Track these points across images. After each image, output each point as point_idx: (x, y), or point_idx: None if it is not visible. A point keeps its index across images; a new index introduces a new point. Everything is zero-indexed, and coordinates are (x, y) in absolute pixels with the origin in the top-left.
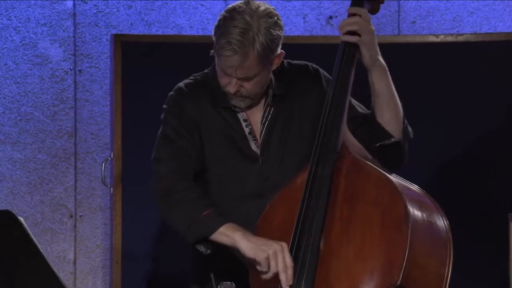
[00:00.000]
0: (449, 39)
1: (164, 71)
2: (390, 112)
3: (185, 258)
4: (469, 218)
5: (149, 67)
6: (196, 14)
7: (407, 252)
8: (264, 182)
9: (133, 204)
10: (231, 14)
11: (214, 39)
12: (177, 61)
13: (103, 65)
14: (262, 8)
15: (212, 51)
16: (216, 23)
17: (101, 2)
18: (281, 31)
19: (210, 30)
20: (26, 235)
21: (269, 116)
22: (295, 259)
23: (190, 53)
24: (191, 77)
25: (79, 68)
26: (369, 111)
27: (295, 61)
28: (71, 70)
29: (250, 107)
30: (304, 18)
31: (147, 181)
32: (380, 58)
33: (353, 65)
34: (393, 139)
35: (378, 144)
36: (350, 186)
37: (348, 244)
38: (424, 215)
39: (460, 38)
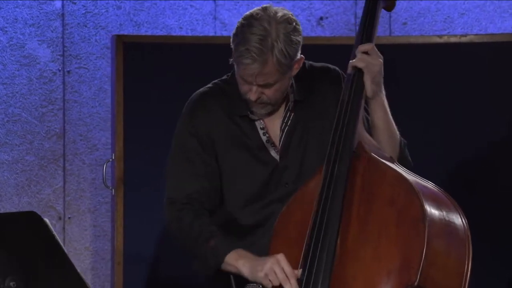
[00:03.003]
0: (453, 40)
1: (165, 72)
2: (385, 141)
3: (186, 260)
4: (480, 220)
5: (150, 68)
6: (186, 14)
7: (424, 252)
8: (284, 187)
9: (134, 206)
10: (249, 21)
11: (232, 47)
12: (179, 62)
13: (92, 66)
14: (280, 14)
15: (231, 59)
16: (234, 30)
17: (90, 2)
18: (300, 36)
19: (200, 31)
20: (52, 236)
21: (289, 121)
22: (311, 259)
23: (192, 54)
24: (210, 84)
25: (68, 69)
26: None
27: (317, 64)
28: (59, 71)
29: (270, 113)
30: None
31: (148, 182)
32: (382, 96)
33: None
34: None
35: None
36: (367, 186)
37: (364, 244)
38: (442, 213)
39: (463, 39)
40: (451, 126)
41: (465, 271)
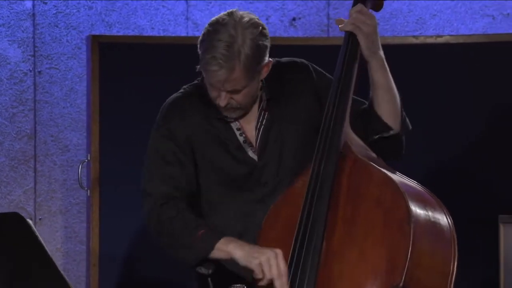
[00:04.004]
0: (429, 40)
1: (140, 72)
2: (388, 104)
3: (162, 260)
4: (459, 220)
5: (124, 68)
6: (158, 15)
7: (409, 252)
8: (263, 186)
9: (109, 207)
10: (215, 27)
11: (199, 53)
12: (154, 63)
13: (63, 66)
14: (246, 19)
15: (198, 66)
16: (200, 37)
17: (61, 2)
18: (267, 40)
19: (172, 31)
20: (35, 237)
21: (264, 120)
22: (297, 259)
23: (167, 54)
24: (181, 90)
25: (39, 69)
26: (365, 102)
27: (283, 59)
28: (30, 71)
29: (243, 115)
30: (267, 19)
31: (124, 183)
32: (381, 53)
33: (355, 60)
34: (392, 132)
35: (377, 136)
36: (353, 186)
37: (350, 245)
38: (428, 214)
39: (439, 40)
40: (428, 126)
41: (451, 271)
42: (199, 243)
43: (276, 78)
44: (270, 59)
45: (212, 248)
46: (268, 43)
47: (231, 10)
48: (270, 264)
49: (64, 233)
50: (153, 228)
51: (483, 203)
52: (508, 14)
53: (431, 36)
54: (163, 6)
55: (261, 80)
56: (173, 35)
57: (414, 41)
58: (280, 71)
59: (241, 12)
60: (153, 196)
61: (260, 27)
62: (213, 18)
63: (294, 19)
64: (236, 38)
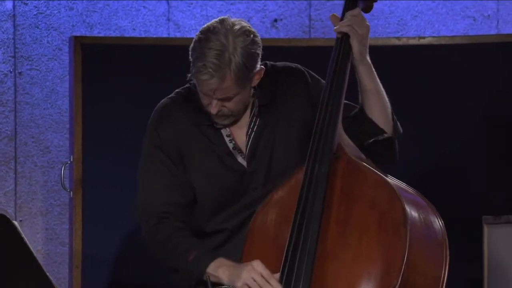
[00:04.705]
0: (412, 42)
1: (123, 73)
2: (378, 108)
3: (146, 262)
4: (443, 221)
5: (107, 69)
6: (139, 16)
7: (406, 255)
8: (253, 192)
9: (92, 208)
10: (206, 35)
11: (190, 61)
12: (137, 64)
13: (44, 67)
14: (237, 26)
15: (190, 74)
16: (191, 45)
17: (41, 3)
18: (259, 48)
19: (153, 32)
20: (20, 239)
21: (255, 126)
22: (291, 260)
23: (149, 55)
24: (171, 95)
25: (19, 71)
26: (357, 106)
27: (279, 64)
28: (11, 72)
29: (234, 122)
30: (248, 21)
31: (107, 184)
32: (368, 58)
33: (348, 60)
34: (385, 135)
35: (371, 140)
36: (346, 188)
37: (345, 246)
38: (421, 217)
39: (422, 41)
40: (413, 127)
41: (442, 274)
42: (190, 268)
43: (270, 83)
44: (262, 66)
45: (203, 273)
46: (260, 51)
47: (222, 17)
48: (253, 279)
49: (45, 234)
50: (150, 245)
51: (467, 204)
52: (489, 15)
53: (414, 38)
54: (144, 7)
55: (253, 87)
56: (155, 36)
57: (397, 42)
58: (275, 76)
59: (232, 20)
60: (148, 212)
61: (252, 35)
62: (205, 26)
63: (275, 20)
64: (227, 46)
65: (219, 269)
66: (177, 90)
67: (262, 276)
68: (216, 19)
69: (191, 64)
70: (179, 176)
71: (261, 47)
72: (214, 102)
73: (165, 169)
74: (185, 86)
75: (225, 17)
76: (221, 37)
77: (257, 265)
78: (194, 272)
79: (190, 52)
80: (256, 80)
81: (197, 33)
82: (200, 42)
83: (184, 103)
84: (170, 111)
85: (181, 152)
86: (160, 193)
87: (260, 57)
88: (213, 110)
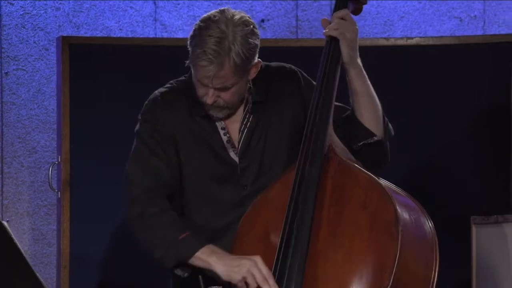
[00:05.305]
0: (400, 42)
1: (110, 73)
2: (370, 111)
3: (134, 262)
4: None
5: (94, 69)
6: (126, 16)
7: (397, 256)
8: (243, 189)
9: (80, 208)
10: (206, 24)
11: (189, 49)
12: (125, 64)
13: (30, 67)
14: (237, 16)
15: (188, 61)
16: (191, 33)
17: (28, 3)
18: (257, 39)
19: (140, 33)
20: (10, 239)
21: (248, 123)
22: (283, 261)
23: (138, 56)
24: (167, 85)
25: (6, 71)
26: (348, 108)
27: (273, 64)
28: None
29: (229, 115)
30: None
31: (95, 185)
32: (359, 60)
33: (338, 63)
34: (375, 138)
35: (361, 143)
36: (338, 188)
37: (336, 247)
38: (412, 218)
39: (410, 42)
40: (401, 127)
41: (433, 276)
42: (180, 246)
43: (263, 82)
44: (259, 60)
45: (193, 254)
46: (258, 42)
47: (222, 8)
48: (253, 275)
49: (31, 235)
50: (134, 221)
51: (455, 204)
52: (475, 16)
53: (402, 38)
54: (131, 7)
55: (250, 81)
56: (142, 36)
57: (384, 42)
58: (268, 75)
59: (232, 10)
60: (138, 188)
61: (251, 26)
62: (205, 15)
63: (262, 20)
64: (227, 34)
65: (212, 255)
66: (171, 81)
67: (262, 273)
68: (216, 10)
69: (190, 52)
70: (171, 163)
71: (259, 38)
72: (211, 91)
73: (161, 152)
74: (179, 79)
75: (225, 8)
76: (222, 25)
77: (259, 261)
78: (181, 252)
79: (189, 40)
80: (253, 73)
81: (197, 22)
82: (200, 30)
83: (180, 93)
84: (166, 99)
85: (175, 140)
86: (152, 171)
87: (258, 48)
88: (209, 100)
